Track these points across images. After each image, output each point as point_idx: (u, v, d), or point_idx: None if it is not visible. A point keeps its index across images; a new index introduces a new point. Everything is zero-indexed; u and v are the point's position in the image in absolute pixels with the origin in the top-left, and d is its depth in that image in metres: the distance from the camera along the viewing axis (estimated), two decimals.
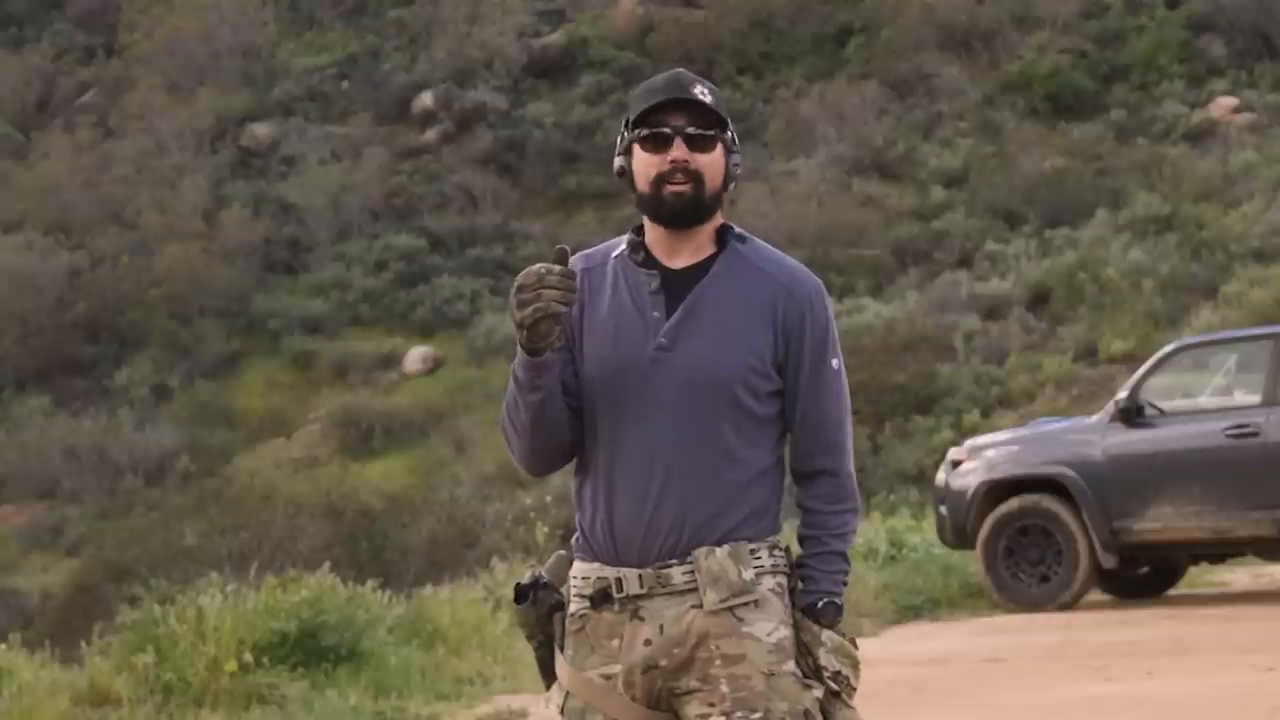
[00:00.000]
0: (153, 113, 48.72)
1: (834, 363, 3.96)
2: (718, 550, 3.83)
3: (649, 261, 3.94)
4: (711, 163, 3.89)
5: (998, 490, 14.81)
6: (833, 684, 3.88)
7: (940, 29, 47.05)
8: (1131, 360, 28.34)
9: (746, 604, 3.84)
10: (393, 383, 41.03)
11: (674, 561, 3.83)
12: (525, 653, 12.08)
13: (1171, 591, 15.69)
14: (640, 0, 50.61)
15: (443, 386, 40.27)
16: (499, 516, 28.71)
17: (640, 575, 3.85)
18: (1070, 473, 14.51)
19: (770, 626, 3.85)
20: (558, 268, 3.74)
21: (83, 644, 10.98)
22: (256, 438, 39.65)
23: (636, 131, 3.90)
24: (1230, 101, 43.62)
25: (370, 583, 12.02)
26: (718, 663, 3.82)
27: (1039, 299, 36.96)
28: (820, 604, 3.90)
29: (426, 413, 38.85)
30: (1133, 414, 14.39)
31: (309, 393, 41.04)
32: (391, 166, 47.46)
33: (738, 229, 3.97)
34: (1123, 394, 14.61)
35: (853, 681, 3.91)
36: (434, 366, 41.46)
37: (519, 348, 3.80)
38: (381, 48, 52.01)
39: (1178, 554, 14.96)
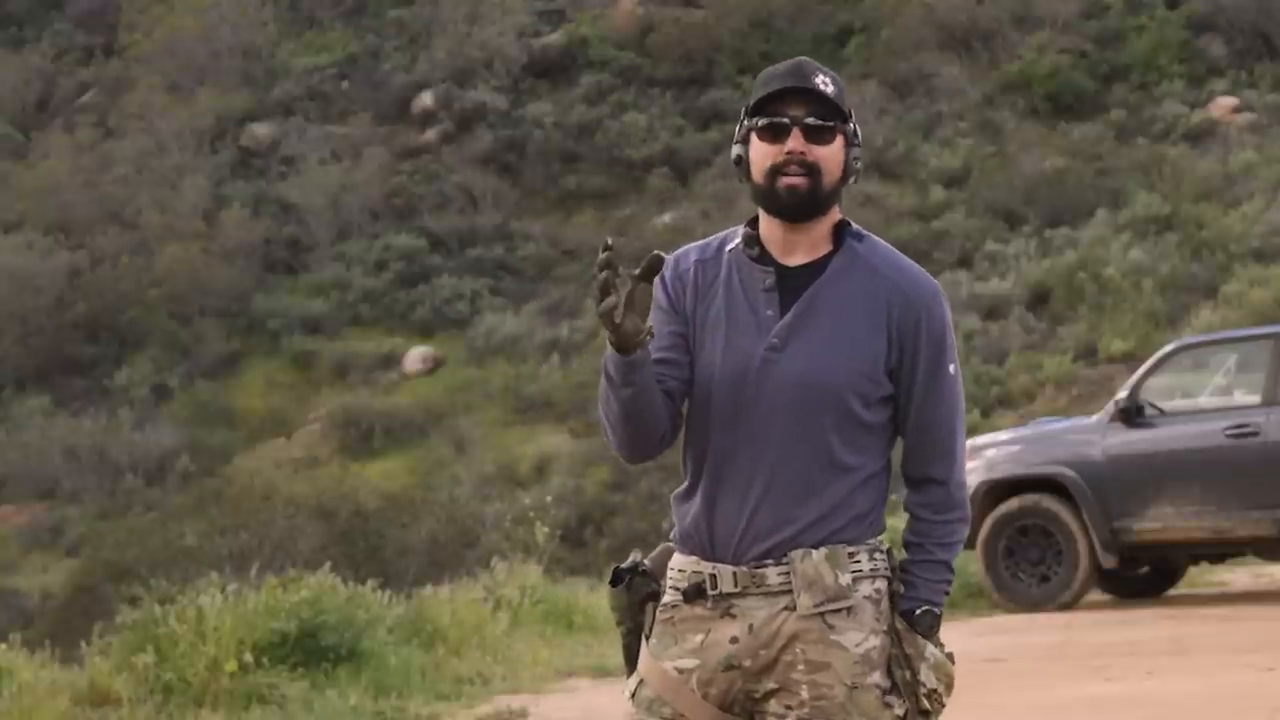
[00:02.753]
0: (153, 113, 48.71)
1: (950, 368, 3.86)
2: (815, 553, 3.76)
3: (764, 257, 3.86)
4: (829, 155, 3.82)
5: (998, 490, 14.81)
6: (926, 702, 3.81)
7: (940, 29, 47.05)
8: (1131, 360, 28.35)
9: (839, 610, 3.77)
10: (393, 383, 41.03)
11: (770, 562, 3.78)
12: (524, 653, 12.13)
13: (1171, 591, 15.69)
14: (640, 0, 50.60)
15: (443, 386, 40.27)
16: (499, 516, 28.70)
17: (735, 573, 3.79)
18: (1070, 473, 14.51)
19: (860, 637, 3.78)
20: (601, 268, 3.59)
21: (83, 644, 10.98)
22: (256, 438, 39.65)
23: (754, 120, 3.82)
24: (1230, 101, 43.60)
25: (370, 583, 12.02)
26: (801, 667, 3.76)
27: (1039, 299, 36.98)
28: (919, 611, 3.83)
29: (426, 413, 38.85)
30: (1133, 414, 14.39)
31: (309, 393, 41.04)
32: (391, 166, 47.44)
33: (856, 226, 3.90)
34: (1123, 394, 14.61)
35: (944, 699, 3.85)
36: (434, 366, 41.46)
37: (609, 344, 3.72)
38: (381, 48, 52.00)
39: (1178, 554, 14.96)
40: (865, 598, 3.80)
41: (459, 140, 48.25)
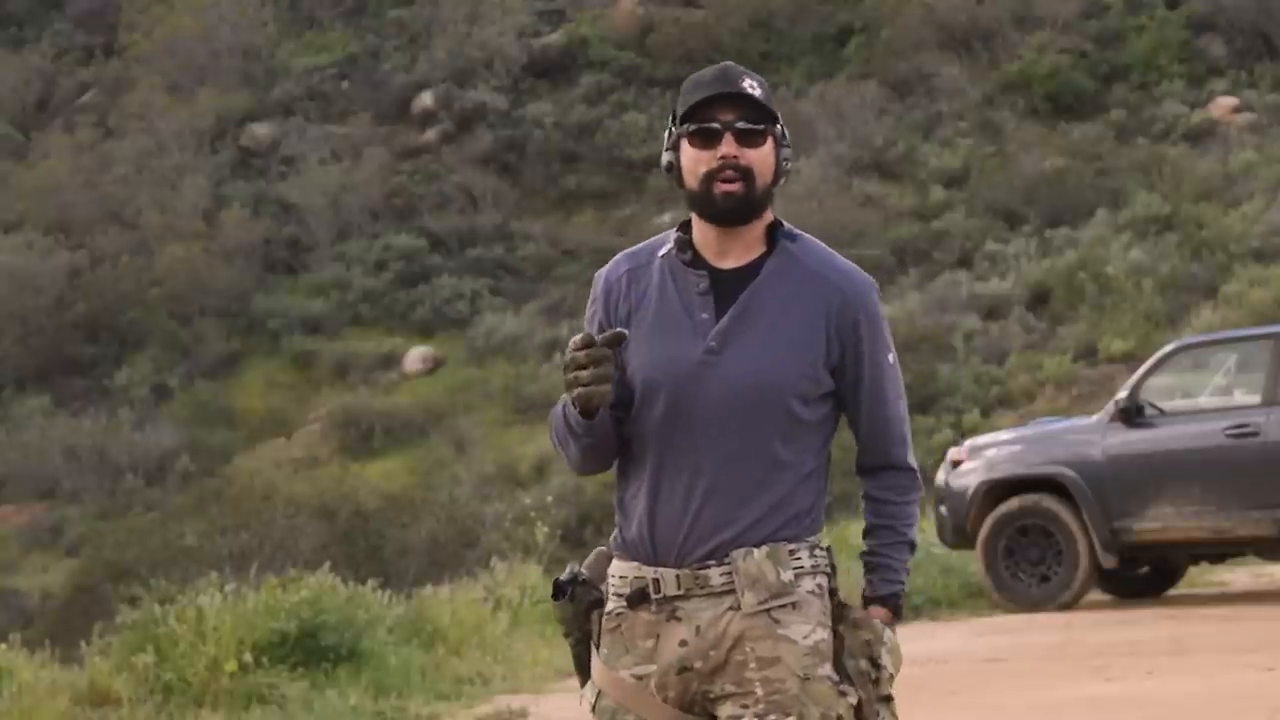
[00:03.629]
0: (153, 113, 48.72)
1: (890, 358, 3.91)
2: (756, 551, 3.79)
3: (697, 261, 3.87)
4: (762, 158, 3.82)
5: (998, 490, 14.80)
6: (889, 687, 3.85)
7: (940, 29, 47.06)
8: (1131, 360, 28.36)
9: (784, 606, 3.79)
10: (393, 383, 41.04)
11: (712, 563, 3.80)
12: (524, 653, 12.13)
13: (1171, 591, 15.68)
14: (640, 0, 50.61)
15: (443, 386, 40.28)
16: (499, 516, 28.73)
17: (678, 576, 3.81)
18: (1070, 473, 14.50)
19: (807, 629, 3.80)
20: (584, 352, 3.68)
21: (83, 644, 10.98)
22: (256, 438, 39.66)
23: (685, 126, 3.83)
24: (1230, 101, 43.63)
25: (370, 583, 12.02)
26: (752, 665, 3.78)
27: (1039, 299, 36.99)
28: (891, 594, 3.90)
29: (426, 413, 38.86)
30: (1133, 414, 14.37)
31: (309, 393, 41.05)
32: (391, 166, 47.46)
33: (788, 226, 3.91)
34: (1123, 394, 14.60)
35: (892, 683, 3.91)
36: (434, 366, 41.47)
37: (573, 406, 3.76)
38: (381, 48, 52.01)
39: (1178, 554, 14.95)
40: (809, 593, 3.82)
41: (459, 140, 48.26)
